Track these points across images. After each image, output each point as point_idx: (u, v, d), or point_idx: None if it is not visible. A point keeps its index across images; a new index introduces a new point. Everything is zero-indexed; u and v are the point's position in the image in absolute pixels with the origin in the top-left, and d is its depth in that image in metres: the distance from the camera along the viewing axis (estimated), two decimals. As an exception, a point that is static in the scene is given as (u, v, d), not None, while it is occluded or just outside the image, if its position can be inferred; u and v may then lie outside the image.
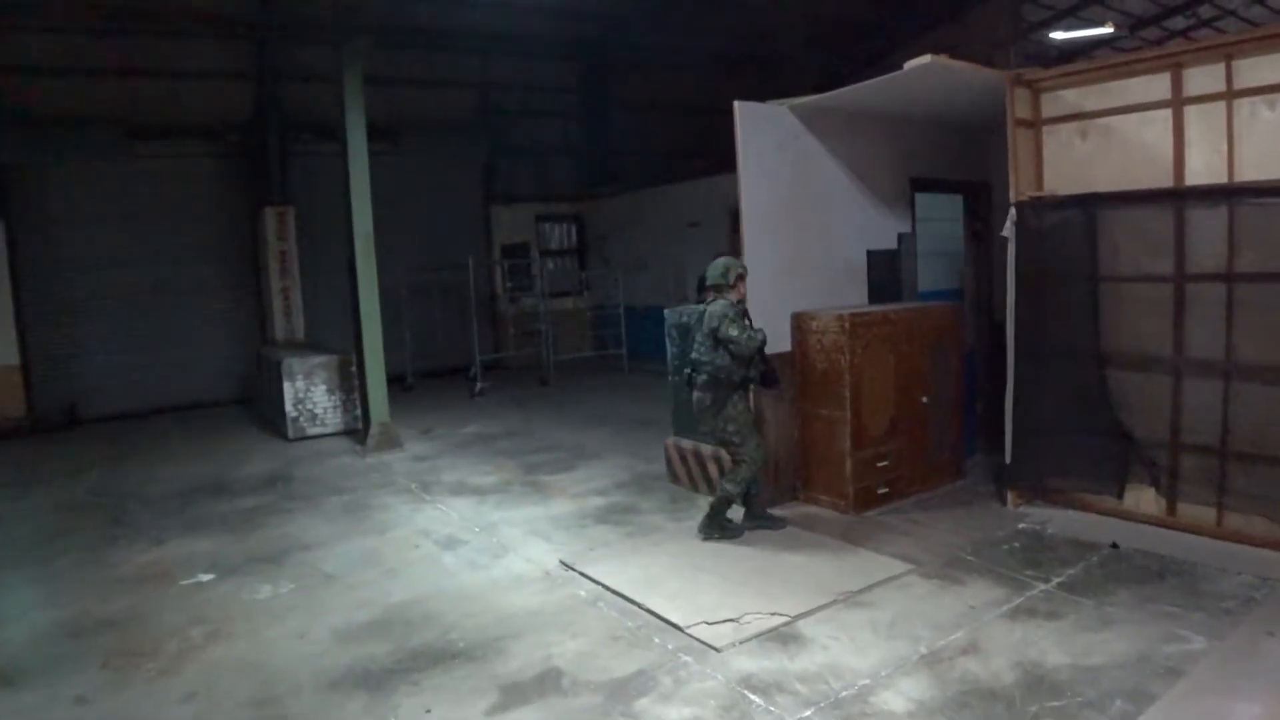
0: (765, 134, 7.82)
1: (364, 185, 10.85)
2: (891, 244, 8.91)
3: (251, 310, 16.30)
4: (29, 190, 14.40)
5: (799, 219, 8.08)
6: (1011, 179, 7.35)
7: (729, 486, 7.02)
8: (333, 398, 12.22)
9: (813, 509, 7.82)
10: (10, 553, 7.70)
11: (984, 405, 9.24)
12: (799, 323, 7.90)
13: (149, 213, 15.31)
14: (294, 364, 12.03)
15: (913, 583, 6.04)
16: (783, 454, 7.98)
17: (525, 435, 11.56)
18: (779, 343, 7.68)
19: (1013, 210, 7.29)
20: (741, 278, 7.06)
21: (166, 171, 15.41)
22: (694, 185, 16.81)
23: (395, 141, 16.11)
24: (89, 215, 14.84)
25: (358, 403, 12.13)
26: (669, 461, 8.85)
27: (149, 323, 15.37)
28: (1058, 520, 7.13)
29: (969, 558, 6.42)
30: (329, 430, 12.16)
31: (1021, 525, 7.09)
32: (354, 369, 12.05)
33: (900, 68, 6.90)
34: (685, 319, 8.42)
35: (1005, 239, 7.44)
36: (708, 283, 7.05)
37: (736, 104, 7.68)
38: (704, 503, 7.66)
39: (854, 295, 8.55)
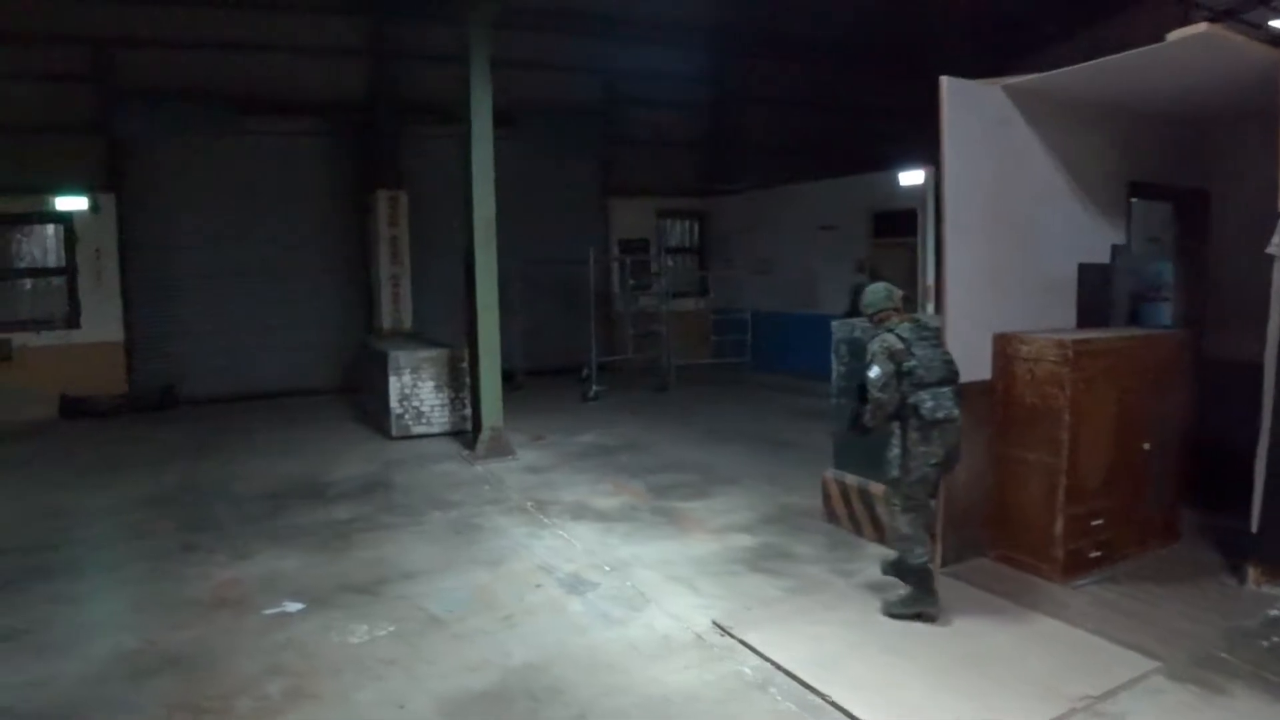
0: (972, 118, 6.49)
1: (487, 166, 9.84)
2: (1103, 257, 7.48)
3: (357, 297, 15.55)
4: (140, 166, 14.02)
5: (1004, 221, 6.72)
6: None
7: (911, 554, 5.65)
8: (440, 395, 11.24)
9: (1007, 570, 6.45)
10: (82, 556, 6.87)
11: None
12: (1004, 346, 6.55)
13: (257, 192, 14.77)
14: (401, 357, 11.08)
15: (1162, 687, 4.65)
16: (971, 501, 6.63)
17: (647, 450, 10.39)
18: (973, 369, 6.36)
19: (1281, 221, 5.82)
20: (893, 312, 5.90)
21: (277, 150, 14.84)
22: (830, 185, 15.48)
23: (511, 127, 15.08)
24: (197, 193, 14.37)
25: (466, 403, 11.14)
26: (827, 498, 7.56)
27: (252, 305, 14.79)
28: (1326, 609, 5.65)
29: (1222, 655, 4.99)
30: (434, 430, 11.18)
31: (1274, 612, 5.61)
32: (465, 366, 11.06)
33: (1052, 64, 5.52)
34: (858, 334, 7.13)
35: (1272, 256, 5.96)
36: (869, 309, 5.97)
37: (944, 80, 6.37)
38: (872, 552, 6.45)
39: (1059, 316, 7.14)
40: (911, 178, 13.71)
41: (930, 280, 13.33)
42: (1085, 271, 7.32)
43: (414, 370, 11.12)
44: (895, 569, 5.68)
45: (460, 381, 11.22)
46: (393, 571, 6.36)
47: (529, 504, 8.09)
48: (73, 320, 13.64)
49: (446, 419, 11.29)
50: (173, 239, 14.24)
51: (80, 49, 13.51)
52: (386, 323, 14.88)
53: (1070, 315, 7.23)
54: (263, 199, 14.76)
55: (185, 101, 13.94)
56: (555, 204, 16.72)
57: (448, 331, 13.43)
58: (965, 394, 5.93)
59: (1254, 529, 6.10)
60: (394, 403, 11.02)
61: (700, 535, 7.22)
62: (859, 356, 7.09)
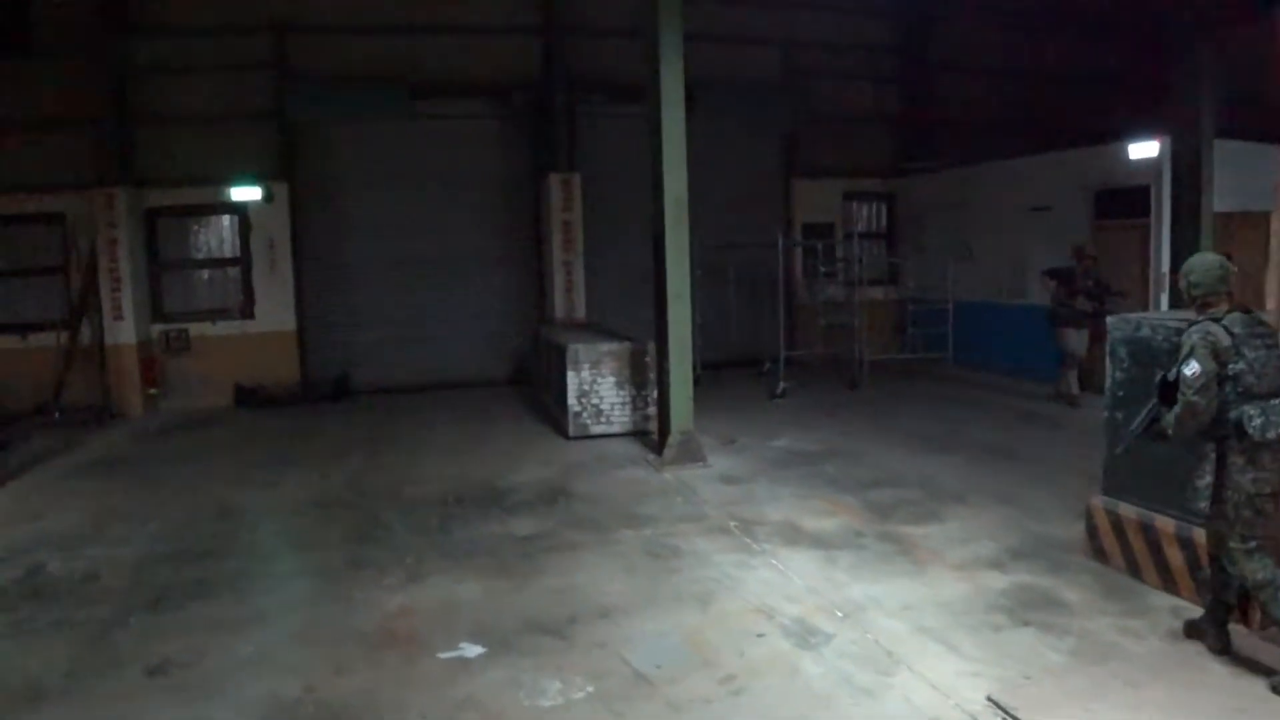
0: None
1: (678, 140, 8.86)
2: None
3: (529, 285, 14.94)
4: (312, 151, 13.88)
5: None
6: None
7: (1276, 601, 4.37)
8: (621, 393, 10.35)
9: None
10: (245, 569, 6.27)
11: None
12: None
13: (428, 177, 14.32)
14: (580, 351, 10.24)
15: None
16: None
17: (852, 457, 9.21)
18: None
19: None
20: (1224, 298, 4.60)
21: (448, 133, 14.33)
22: (1042, 161, 13.78)
23: (689, 103, 14.05)
24: (368, 178, 14.06)
25: (648, 401, 10.24)
26: (1093, 531, 6.24)
27: (422, 293, 14.42)
28: None
29: None
30: (614, 430, 10.31)
31: None
32: (648, 361, 10.15)
33: None
34: (1146, 334, 5.79)
35: None
36: (1194, 290, 4.66)
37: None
38: (1159, 602, 5.26)
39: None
40: (1143, 150, 11.98)
41: (1166, 268, 11.63)
42: None
43: (594, 365, 10.27)
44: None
45: (643, 378, 10.32)
46: (585, 606, 5.44)
47: (731, 523, 7.06)
48: (247, 310, 13.55)
49: (628, 418, 10.40)
50: (344, 227, 14.00)
51: (255, 36, 13.38)
52: (559, 312, 14.16)
53: None
54: (433, 184, 14.31)
55: (356, 86, 13.66)
56: (735, 186, 15.64)
57: (621, 322, 12.72)
58: None
59: None
60: (572, 400, 10.20)
61: (941, 571, 6.03)
62: (1145, 363, 5.78)
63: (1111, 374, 6.11)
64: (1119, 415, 6.04)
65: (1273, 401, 4.35)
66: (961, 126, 16.83)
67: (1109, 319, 6.28)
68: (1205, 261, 4.71)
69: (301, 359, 13.75)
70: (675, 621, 5.22)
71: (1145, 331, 5.81)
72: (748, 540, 6.63)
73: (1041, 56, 16.74)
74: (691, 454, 8.97)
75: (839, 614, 5.30)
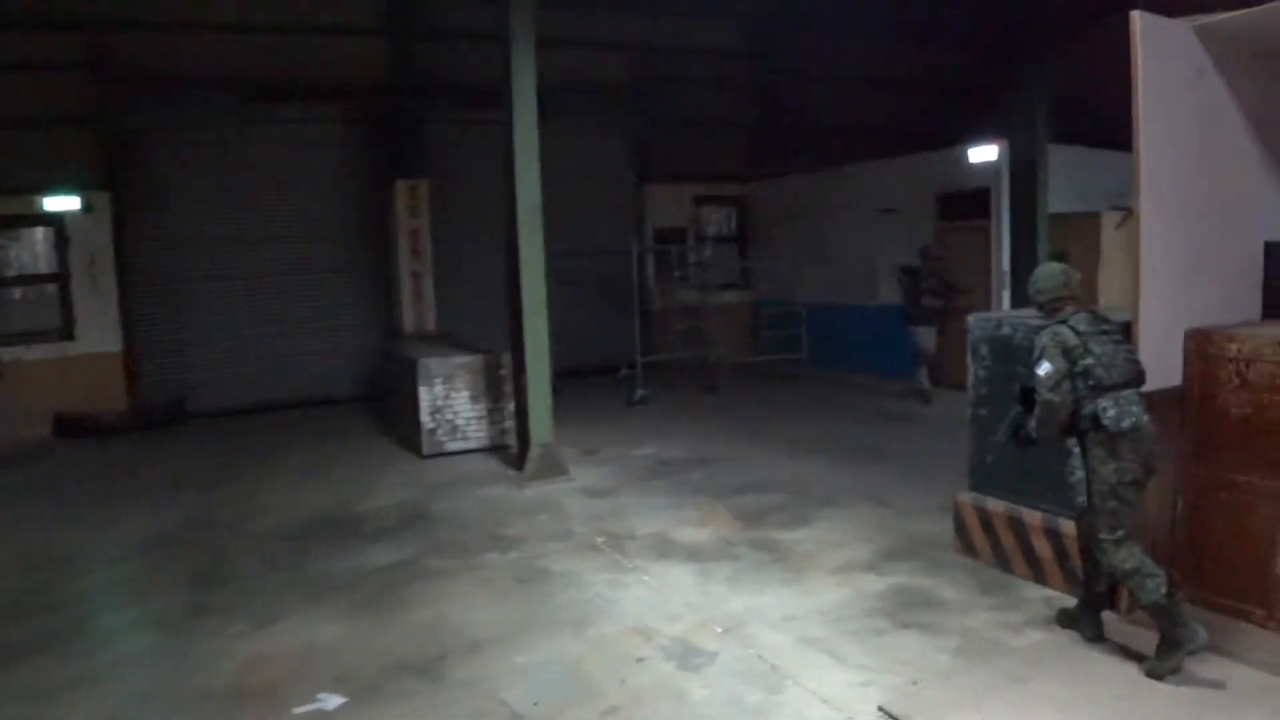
0: (1170, 65, 5.22)
1: (531, 147, 8.55)
2: (1282, 234, 6.19)
3: (378, 297, 14.26)
4: (139, 159, 12.81)
5: (1204, 195, 5.46)
6: None
7: (1144, 589, 4.46)
8: (477, 407, 9.96)
9: (1204, 615, 5.09)
10: (71, 624, 5.62)
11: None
12: (1201, 345, 5.26)
13: (267, 185, 13.48)
14: (432, 365, 9.80)
15: None
16: (1158, 533, 5.35)
17: (719, 463, 9.10)
18: (1161, 373, 5.09)
19: None
20: (1069, 301, 4.82)
21: (287, 139, 13.53)
22: (889, 165, 14.14)
23: (542, 108, 13.75)
24: (202, 188, 13.09)
25: (505, 414, 9.89)
26: (962, 527, 6.27)
27: (265, 308, 13.56)
28: None
29: None
30: (472, 446, 9.91)
31: None
32: (504, 373, 9.82)
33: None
34: (1005, 332, 5.85)
35: None
36: (1041, 297, 4.89)
37: (1135, 14, 5.04)
38: (1032, 594, 5.33)
39: (1247, 306, 5.86)
40: (983, 154, 12.40)
41: (1006, 266, 12.05)
42: (1272, 251, 6.04)
43: (447, 379, 9.84)
44: (1157, 615, 4.48)
45: (499, 391, 9.97)
46: (456, 640, 5.08)
47: (600, 539, 6.80)
48: (67, 331, 12.39)
49: (485, 433, 10.02)
50: (176, 239, 12.96)
51: (72, 32, 12.27)
52: (408, 324, 13.60)
53: (1255, 304, 5.96)
54: (274, 192, 13.49)
55: (187, 89, 12.71)
56: (588, 191, 15.35)
57: (475, 333, 12.35)
58: (1150, 405, 4.72)
59: None
60: (425, 416, 9.74)
61: (818, 577, 5.94)
62: (1006, 359, 5.85)
63: (974, 372, 6.16)
64: (982, 413, 6.10)
65: (1124, 393, 4.51)
66: (812, 132, 17.08)
67: (969, 318, 6.35)
68: (1049, 270, 4.93)
69: (131, 383, 12.69)
70: (551, 651, 4.93)
71: (1006, 330, 5.88)
72: (619, 557, 6.39)
73: (889, 64, 17.16)
74: (554, 468, 8.68)
75: (720, 630, 5.12)
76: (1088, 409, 4.53)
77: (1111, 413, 4.46)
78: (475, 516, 7.53)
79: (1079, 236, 12.15)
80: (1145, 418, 4.53)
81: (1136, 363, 4.63)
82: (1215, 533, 5.23)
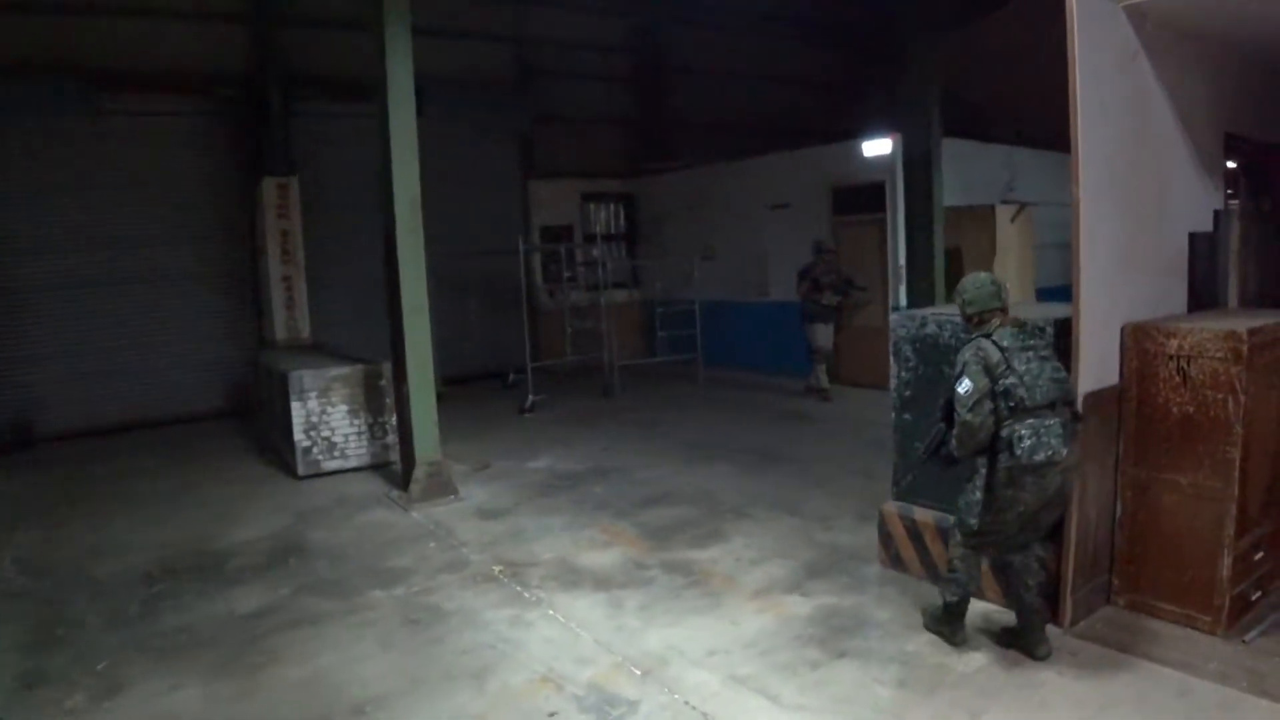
0: (1104, 47, 4.93)
1: (410, 138, 7.82)
2: (1207, 225, 6.02)
3: (247, 304, 13.21)
4: None
5: (1134, 183, 5.21)
6: None
7: (949, 590, 4.72)
8: (356, 422, 9.18)
9: (1148, 623, 4.92)
10: None
11: None
12: (1139, 341, 4.98)
13: (121, 184, 12.21)
14: (305, 378, 8.97)
15: None
16: (1100, 538, 5.06)
17: (620, 474, 8.55)
18: (1098, 372, 4.85)
19: None
20: (997, 313, 4.51)
21: (142, 133, 12.31)
22: (781, 159, 13.88)
23: (420, 102, 12.94)
24: (45, 186, 11.73)
25: (388, 429, 9.17)
26: (888, 538, 5.88)
27: (122, 317, 12.30)
28: None
29: None
30: (351, 465, 9.12)
31: None
32: (384, 384, 9.09)
33: None
34: (933, 331, 5.47)
35: None
36: (969, 309, 4.58)
37: (1071, -6, 4.69)
38: (970, 609, 4.82)
39: (1175, 299, 5.66)
40: (876, 147, 12.23)
41: (902, 261, 11.87)
42: (1197, 241, 5.86)
43: (322, 392, 9.03)
44: (940, 613, 4.81)
45: (380, 403, 9.22)
46: (337, 701, 4.38)
47: (498, 568, 6.15)
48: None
49: (365, 450, 9.25)
50: (14, 244, 11.58)
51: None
52: (281, 333, 12.67)
53: (1182, 297, 5.76)
54: (128, 191, 12.22)
55: (25, 77, 11.35)
56: (470, 189, 14.65)
57: (353, 341, 11.56)
58: (1090, 408, 4.53)
59: None
60: (299, 434, 8.92)
61: (739, 602, 5.44)
62: (932, 360, 5.47)
63: (897, 374, 5.76)
64: (907, 417, 5.71)
65: (1049, 421, 4.21)
66: (702, 127, 16.78)
67: (891, 315, 6.01)
68: (977, 280, 4.60)
69: (-38, 405, 11.42)
70: (449, 708, 4.28)
71: (931, 328, 5.49)
72: (519, 589, 5.77)
73: (782, 59, 16.94)
74: (442, 486, 8.00)
75: (639, 672, 4.56)
76: (1005, 432, 4.23)
77: (1027, 443, 4.17)
78: (357, 547, 6.78)
79: (974, 229, 12.06)
80: (1064, 450, 4.23)
81: (1063, 382, 4.34)
82: (1158, 536, 4.97)
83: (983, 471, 4.37)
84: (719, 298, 14.52)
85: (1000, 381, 4.23)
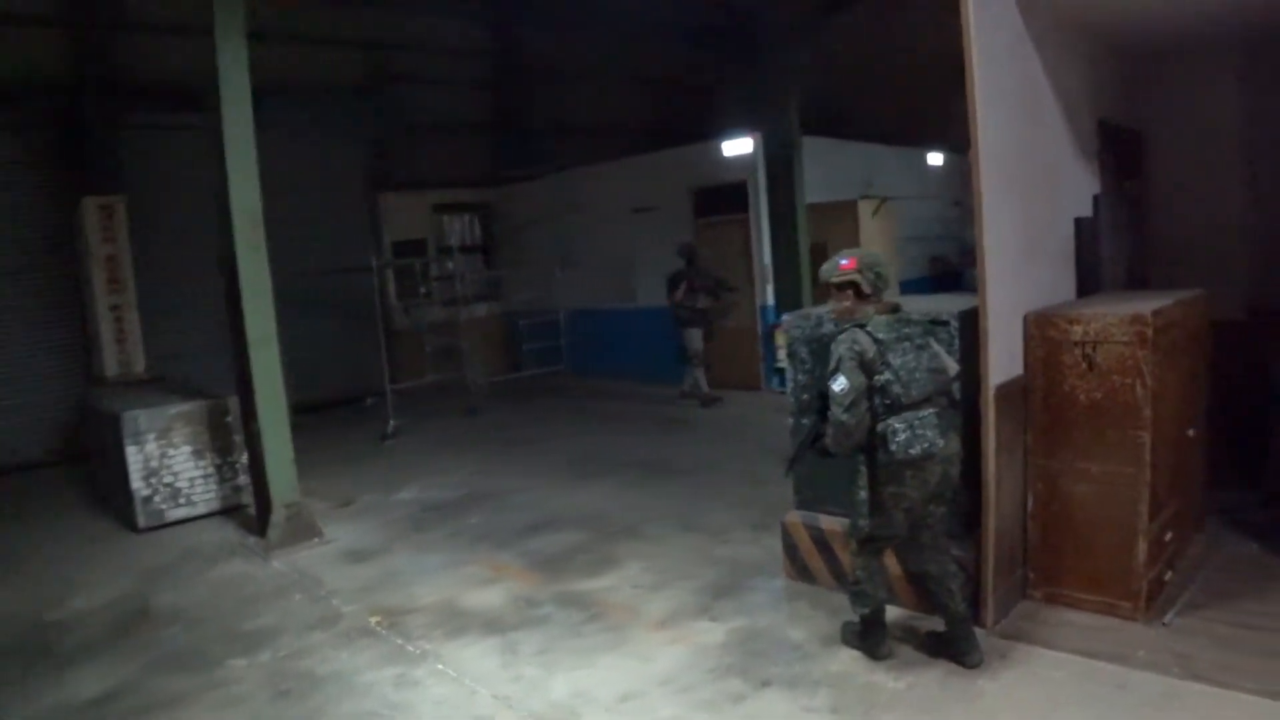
0: (998, 34, 4.76)
1: (247, 148, 7.09)
2: (1086, 210, 6.00)
3: (73, 338, 11.98)
4: None
5: (1032, 171, 5.13)
6: None
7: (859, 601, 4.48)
8: (202, 463, 8.34)
9: (1068, 615, 4.79)
10: None
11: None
12: (1043, 330, 4.84)
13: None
14: (141, 417, 8.07)
15: None
16: (1012, 535, 4.89)
17: (497, 500, 8.02)
18: (1002, 364, 4.67)
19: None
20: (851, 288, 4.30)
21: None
22: (642, 162, 13.63)
23: (260, 111, 12.08)
24: None
25: (238, 469, 8.38)
26: (793, 549, 5.57)
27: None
28: None
29: None
30: (199, 511, 8.27)
31: None
32: (231, 421, 8.30)
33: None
34: (829, 332, 5.19)
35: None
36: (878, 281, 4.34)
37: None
38: (889, 617, 4.64)
39: (1066, 286, 5.60)
40: (737, 147, 12.12)
41: (768, 259, 11.75)
42: (1082, 227, 5.81)
43: (162, 433, 8.16)
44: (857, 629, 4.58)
45: (229, 441, 8.41)
46: (197, 804, 3.76)
47: (375, 619, 5.55)
48: None
49: (214, 494, 8.41)
50: None
51: None
52: (112, 368, 11.50)
53: (1071, 283, 5.71)
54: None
55: None
56: (318, 204, 13.85)
57: (195, 374, 10.73)
58: (999, 398, 4.44)
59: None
60: (137, 481, 8.02)
61: (645, 634, 5.02)
62: (828, 363, 5.19)
63: (794, 377, 5.47)
64: (805, 422, 5.39)
65: (922, 414, 4.05)
66: (562, 132, 16.36)
67: (784, 316, 5.72)
68: (875, 254, 4.45)
69: None
70: (334, 798, 3.72)
71: (827, 328, 5.20)
72: (401, 641, 5.19)
73: (642, 62, 16.64)
74: (304, 529, 7.31)
75: (547, 731, 4.09)
76: (880, 428, 4.05)
77: (902, 437, 4.01)
78: (213, 607, 6.03)
79: (837, 225, 12.03)
80: (941, 443, 4.07)
81: (941, 372, 4.17)
82: (1071, 526, 4.85)
83: (864, 470, 4.21)
84: (585, 306, 14.13)
85: (877, 378, 4.05)
